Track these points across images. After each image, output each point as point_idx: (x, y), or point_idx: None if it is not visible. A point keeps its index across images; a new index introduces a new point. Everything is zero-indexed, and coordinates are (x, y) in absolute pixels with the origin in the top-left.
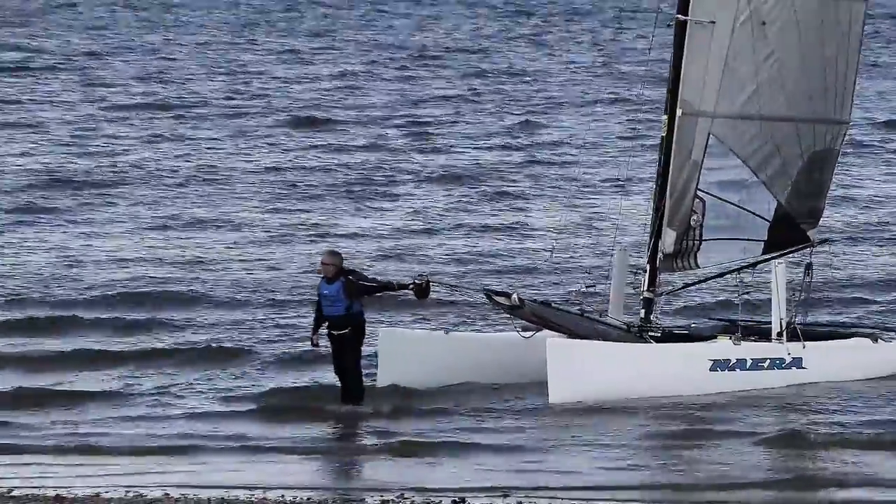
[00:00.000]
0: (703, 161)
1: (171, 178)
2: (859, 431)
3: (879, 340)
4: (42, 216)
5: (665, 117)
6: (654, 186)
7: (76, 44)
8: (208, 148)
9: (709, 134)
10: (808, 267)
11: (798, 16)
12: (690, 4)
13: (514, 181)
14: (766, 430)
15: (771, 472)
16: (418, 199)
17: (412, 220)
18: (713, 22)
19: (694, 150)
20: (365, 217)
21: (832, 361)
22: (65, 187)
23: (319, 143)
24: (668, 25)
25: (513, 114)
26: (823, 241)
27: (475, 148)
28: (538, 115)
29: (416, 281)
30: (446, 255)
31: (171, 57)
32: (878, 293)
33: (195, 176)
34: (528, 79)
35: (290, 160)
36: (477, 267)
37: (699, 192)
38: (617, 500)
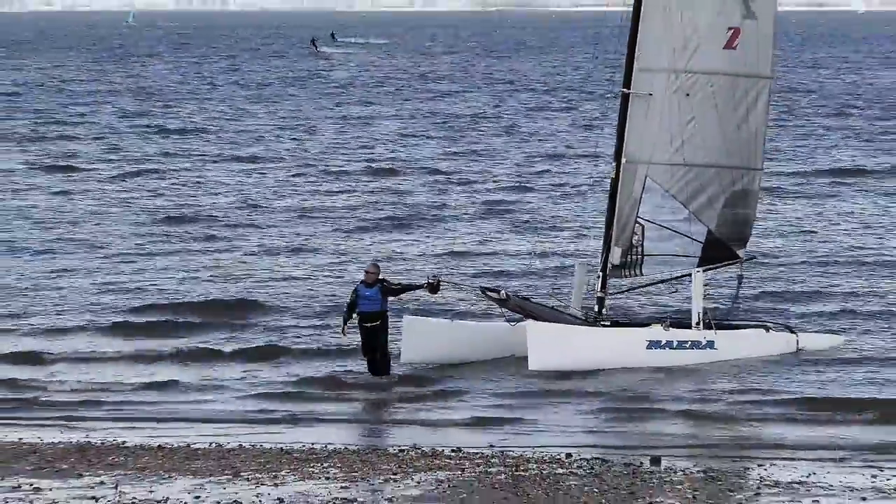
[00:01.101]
0: (641, 197)
1: (271, 213)
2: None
3: (770, 331)
4: (169, 243)
5: (614, 164)
6: (607, 215)
7: (210, 115)
8: (298, 189)
9: (646, 177)
10: (740, 278)
11: (714, 90)
12: (632, 81)
13: (509, 214)
14: (689, 402)
15: (693, 438)
16: (450, 229)
17: (446, 242)
18: (650, 94)
19: (634, 188)
20: (407, 240)
21: (736, 345)
22: (186, 221)
23: (382, 186)
24: (616, 96)
25: (519, 164)
26: (750, 259)
27: (492, 190)
28: (534, 164)
29: (429, 281)
30: (461, 264)
31: (275, 122)
32: (791, 302)
33: (288, 211)
34: (529, 137)
35: (359, 199)
36: (484, 273)
37: (639, 219)
38: (575, 454)
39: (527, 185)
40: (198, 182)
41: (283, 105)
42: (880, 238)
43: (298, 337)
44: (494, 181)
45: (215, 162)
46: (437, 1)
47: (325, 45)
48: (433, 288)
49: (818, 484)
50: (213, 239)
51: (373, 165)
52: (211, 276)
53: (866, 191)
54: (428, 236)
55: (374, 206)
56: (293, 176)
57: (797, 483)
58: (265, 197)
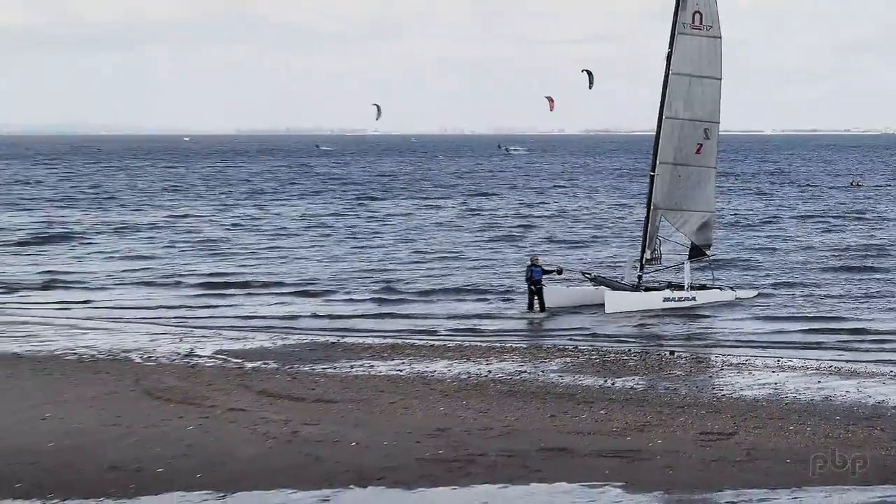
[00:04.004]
0: (658, 226)
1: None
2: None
3: (725, 289)
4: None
5: (646, 210)
6: (643, 233)
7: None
8: (505, 224)
9: (660, 216)
10: (709, 263)
11: (692, 173)
12: (655, 167)
13: (601, 233)
14: (687, 330)
15: (690, 342)
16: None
17: (570, 251)
18: (662, 175)
19: (657, 221)
20: (558, 250)
21: (706, 298)
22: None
23: (550, 224)
24: (650, 176)
25: (611, 209)
26: (712, 255)
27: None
28: (613, 210)
29: (558, 267)
30: (573, 260)
31: (505, 192)
32: (730, 274)
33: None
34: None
35: (540, 229)
36: (582, 263)
37: (658, 237)
38: (632, 350)
39: (617, 219)
40: (465, 220)
41: (501, 179)
42: (793, 250)
43: (492, 300)
44: (592, 219)
45: (461, 217)
46: (566, 128)
47: (510, 149)
48: (559, 272)
49: (751, 364)
50: (461, 256)
51: (548, 212)
52: (465, 266)
53: (791, 221)
54: (563, 247)
55: (544, 231)
56: (534, 219)
57: (741, 364)
58: (493, 231)
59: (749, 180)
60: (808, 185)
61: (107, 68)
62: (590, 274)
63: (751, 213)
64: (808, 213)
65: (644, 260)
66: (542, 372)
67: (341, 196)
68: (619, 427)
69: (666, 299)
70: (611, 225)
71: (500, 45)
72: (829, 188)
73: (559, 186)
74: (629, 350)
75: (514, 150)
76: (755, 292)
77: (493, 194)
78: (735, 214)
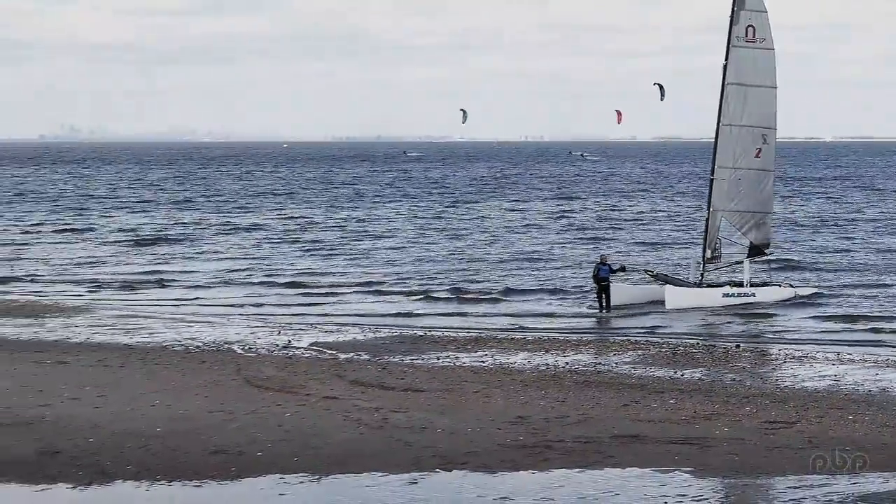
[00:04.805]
0: (719, 225)
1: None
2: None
3: (784, 286)
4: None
5: (706, 211)
6: (703, 234)
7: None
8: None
9: (721, 216)
10: (769, 262)
11: (750, 175)
12: (714, 171)
13: (669, 236)
14: (748, 327)
15: (753, 338)
16: (648, 248)
17: (641, 253)
18: (722, 179)
19: (717, 222)
20: (622, 248)
21: (765, 295)
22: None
23: (616, 226)
24: (709, 180)
25: (680, 212)
26: (770, 254)
27: (660, 224)
28: (685, 211)
29: (623, 266)
30: (637, 257)
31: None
32: (788, 274)
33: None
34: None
35: (603, 235)
36: (645, 263)
37: (719, 237)
38: (700, 343)
39: (680, 219)
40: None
41: (585, 184)
42: (858, 251)
43: (572, 297)
44: (658, 219)
45: (549, 218)
46: (637, 135)
47: (586, 156)
48: (623, 269)
49: (813, 357)
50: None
51: (629, 214)
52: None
53: (856, 223)
54: (630, 247)
55: (625, 232)
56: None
57: (802, 357)
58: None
59: (817, 185)
60: (871, 189)
61: (210, 81)
62: (653, 272)
63: (818, 215)
64: (873, 217)
65: (706, 259)
66: (616, 364)
67: (437, 199)
68: (688, 416)
69: (725, 295)
70: (691, 227)
71: (574, 59)
72: (893, 192)
73: (641, 190)
74: (697, 344)
75: (590, 156)
76: (814, 289)
77: (578, 197)
78: (804, 216)
